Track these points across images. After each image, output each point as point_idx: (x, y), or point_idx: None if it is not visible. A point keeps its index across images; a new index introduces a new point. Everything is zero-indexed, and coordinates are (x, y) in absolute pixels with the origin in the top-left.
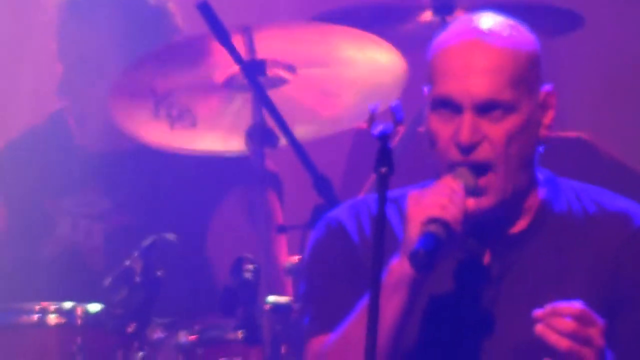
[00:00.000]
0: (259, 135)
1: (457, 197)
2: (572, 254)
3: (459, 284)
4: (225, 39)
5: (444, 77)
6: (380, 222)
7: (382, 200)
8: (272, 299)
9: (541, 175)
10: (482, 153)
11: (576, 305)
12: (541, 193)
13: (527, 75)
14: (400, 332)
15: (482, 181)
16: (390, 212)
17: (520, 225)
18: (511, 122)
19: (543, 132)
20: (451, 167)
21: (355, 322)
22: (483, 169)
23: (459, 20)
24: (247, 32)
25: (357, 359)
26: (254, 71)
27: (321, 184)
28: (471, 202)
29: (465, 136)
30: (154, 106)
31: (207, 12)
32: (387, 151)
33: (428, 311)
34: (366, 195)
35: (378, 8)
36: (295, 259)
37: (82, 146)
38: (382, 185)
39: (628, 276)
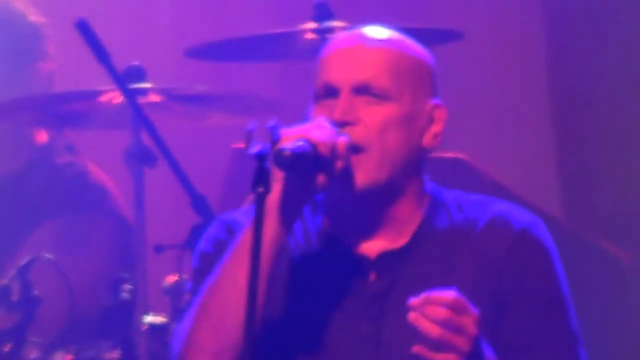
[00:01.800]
0: (138, 155)
1: (327, 127)
2: (455, 265)
3: (344, 299)
4: (104, 58)
5: (326, 68)
6: (257, 243)
7: (260, 220)
8: (149, 318)
9: (427, 187)
10: (356, 134)
11: (450, 294)
12: (423, 207)
13: (409, 75)
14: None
15: (354, 159)
16: None
17: (403, 240)
18: (387, 110)
19: (427, 141)
20: None
21: (227, 264)
22: (356, 148)
23: (346, 31)
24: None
25: (231, 296)
26: (133, 93)
27: (199, 203)
28: (343, 139)
29: (338, 112)
30: None
31: (85, 31)
32: (264, 171)
33: (311, 324)
34: None
35: (259, 38)
36: (173, 278)
37: None
38: (260, 205)
39: (511, 280)
